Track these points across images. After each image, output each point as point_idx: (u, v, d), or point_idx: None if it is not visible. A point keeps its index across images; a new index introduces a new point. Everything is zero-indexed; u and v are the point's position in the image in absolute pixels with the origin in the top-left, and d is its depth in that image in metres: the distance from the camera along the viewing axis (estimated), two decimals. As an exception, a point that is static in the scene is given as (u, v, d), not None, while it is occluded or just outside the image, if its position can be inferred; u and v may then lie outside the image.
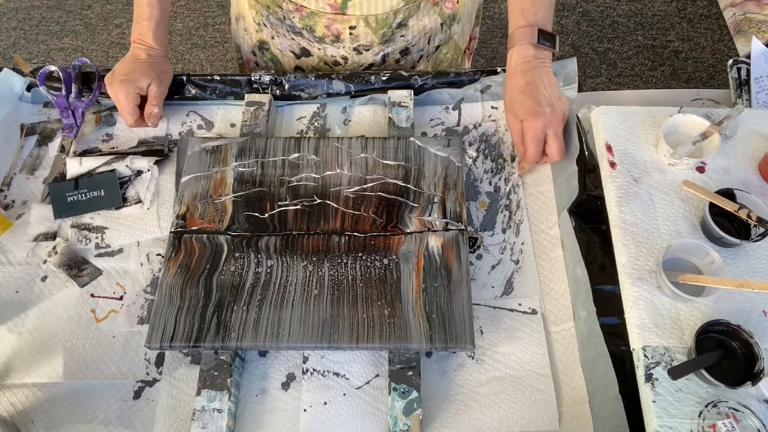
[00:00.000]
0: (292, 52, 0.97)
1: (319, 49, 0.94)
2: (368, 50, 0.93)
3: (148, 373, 0.72)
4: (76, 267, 0.78)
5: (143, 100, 0.86)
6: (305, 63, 0.98)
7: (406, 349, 0.68)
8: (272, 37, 0.97)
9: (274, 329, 0.68)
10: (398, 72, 0.89)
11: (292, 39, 0.94)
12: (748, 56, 0.91)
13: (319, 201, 0.78)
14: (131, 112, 0.84)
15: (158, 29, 0.86)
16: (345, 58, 0.95)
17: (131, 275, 0.78)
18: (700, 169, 0.77)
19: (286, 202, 0.78)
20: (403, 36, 0.93)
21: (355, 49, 0.93)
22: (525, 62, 0.79)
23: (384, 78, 0.89)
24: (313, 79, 0.90)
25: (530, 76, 0.78)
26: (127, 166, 0.84)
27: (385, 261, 0.73)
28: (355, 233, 0.75)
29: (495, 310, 0.75)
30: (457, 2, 0.95)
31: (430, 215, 0.76)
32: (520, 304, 0.75)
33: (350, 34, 0.90)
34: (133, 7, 0.88)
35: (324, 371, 0.71)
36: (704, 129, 0.76)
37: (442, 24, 0.95)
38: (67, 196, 0.81)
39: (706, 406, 0.61)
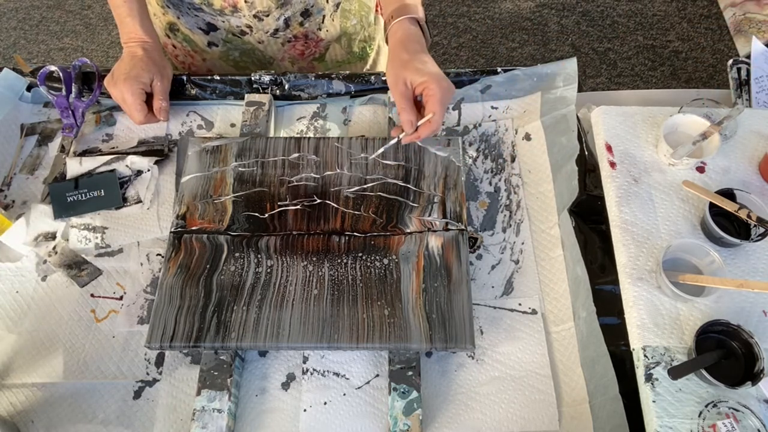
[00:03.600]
0: (200, 29, 0.98)
1: (223, 21, 0.95)
2: (268, 16, 0.93)
3: (148, 373, 0.72)
4: (76, 267, 0.78)
5: (148, 96, 0.85)
6: (215, 37, 0.99)
7: (406, 349, 0.68)
8: (178, 17, 0.97)
9: (274, 329, 0.68)
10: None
11: (196, 15, 0.95)
12: (748, 56, 0.91)
13: (319, 201, 0.78)
14: (140, 109, 0.83)
15: (143, 22, 0.86)
16: (249, 26, 0.95)
17: (131, 275, 0.78)
18: (700, 169, 0.77)
19: (286, 202, 0.78)
20: None
21: (255, 16, 0.93)
22: (414, 37, 0.78)
23: (384, 78, 0.89)
24: (313, 79, 0.90)
25: (420, 46, 0.77)
26: (127, 166, 0.84)
27: (385, 261, 0.73)
28: (355, 233, 0.75)
29: (495, 310, 0.75)
30: None
31: (430, 215, 0.76)
32: (520, 304, 0.75)
33: (246, 1, 0.90)
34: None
35: (324, 371, 0.71)
36: (704, 129, 0.76)
37: None
38: (67, 196, 0.81)
39: (706, 406, 0.61)
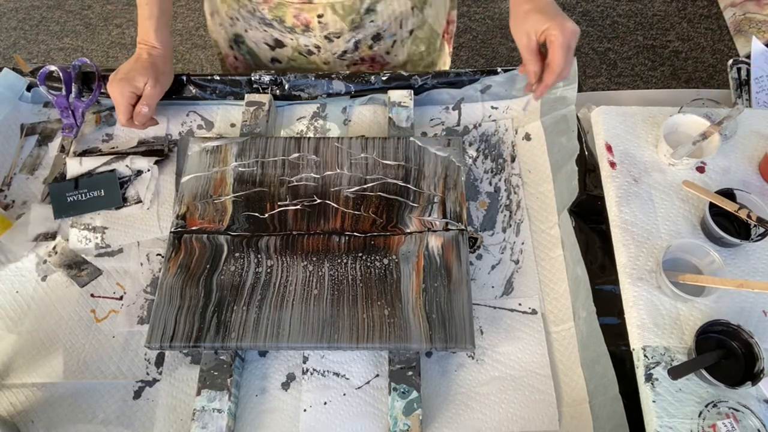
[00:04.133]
0: (266, 44, 0.97)
1: (292, 39, 0.95)
2: (339, 37, 0.93)
3: (148, 373, 0.72)
4: (76, 267, 0.78)
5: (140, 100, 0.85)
6: (280, 54, 0.99)
7: (406, 349, 0.68)
8: (246, 30, 0.97)
9: (274, 329, 0.68)
10: (398, 72, 0.89)
11: (265, 31, 0.95)
12: (748, 56, 0.91)
13: (319, 201, 0.78)
14: (123, 111, 0.83)
15: (159, 28, 0.86)
16: (318, 47, 0.95)
17: (131, 275, 0.78)
18: (700, 169, 0.77)
19: (286, 202, 0.78)
20: (372, 21, 0.93)
21: (326, 37, 0.93)
22: None
23: (384, 78, 0.89)
24: (313, 79, 0.90)
25: (536, 3, 0.73)
26: (127, 166, 0.84)
27: (385, 261, 0.73)
28: (355, 233, 0.75)
29: (495, 310, 0.75)
30: None
31: (430, 215, 0.76)
32: (520, 304, 0.75)
33: (319, 22, 0.90)
34: (134, 7, 0.88)
35: (324, 371, 0.71)
36: (704, 129, 0.76)
37: (413, 8, 0.95)
38: (67, 196, 0.81)
39: (706, 406, 0.61)
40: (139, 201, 0.82)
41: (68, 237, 0.80)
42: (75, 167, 0.83)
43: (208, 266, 0.72)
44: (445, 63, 1.11)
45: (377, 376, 0.71)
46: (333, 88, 0.90)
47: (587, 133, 0.83)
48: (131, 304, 0.76)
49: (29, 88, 0.92)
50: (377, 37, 0.96)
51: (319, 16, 0.89)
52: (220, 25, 1.00)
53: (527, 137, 0.87)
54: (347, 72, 0.91)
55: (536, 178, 0.84)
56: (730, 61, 0.91)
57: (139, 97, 0.84)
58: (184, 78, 0.90)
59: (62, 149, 0.87)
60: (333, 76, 0.90)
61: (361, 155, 0.81)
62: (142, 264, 0.78)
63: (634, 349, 0.66)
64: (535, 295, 0.75)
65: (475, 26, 2.17)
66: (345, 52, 0.96)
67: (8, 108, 0.90)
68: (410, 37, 0.99)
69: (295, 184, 0.79)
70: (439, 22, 1.03)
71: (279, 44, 0.96)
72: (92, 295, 0.76)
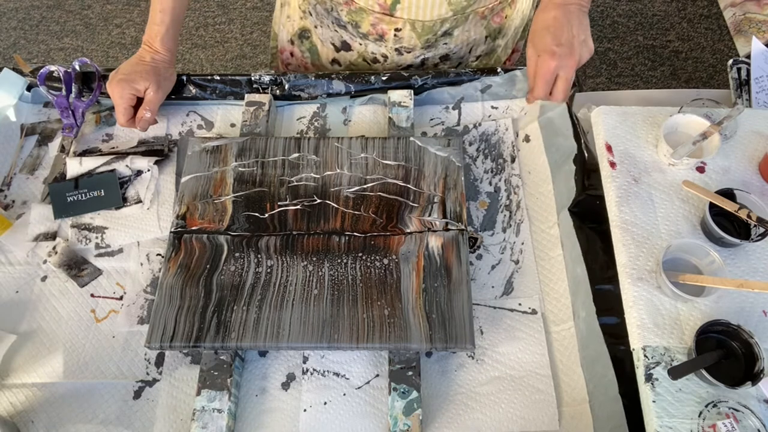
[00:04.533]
0: (333, 44, 0.97)
1: (361, 44, 0.94)
2: (410, 53, 0.93)
3: (148, 373, 0.72)
4: (76, 267, 0.78)
5: (140, 102, 0.85)
6: (344, 57, 0.98)
7: (406, 349, 0.68)
8: (315, 26, 0.96)
9: (274, 329, 0.68)
10: (398, 72, 0.89)
11: (335, 31, 0.94)
12: (748, 56, 0.91)
13: (319, 201, 0.78)
14: (123, 112, 0.83)
15: (167, 36, 0.85)
16: (385, 57, 0.95)
17: (131, 275, 0.78)
18: (700, 169, 0.77)
19: (286, 202, 0.78)
20: (446, 44, 0.93)
21: (396, 49, 0.93)
22: (540, 9, 0.76)
23: (384, 78, 0.89)
24: (313, 79, 0.90)
25: (561, 11, 0.74)
26: (127, 166, 0.84)
27: (385, 261, 0.73)
28: (355, 233, 0.75)
29: (495, 310, 0.74)
30: (505, 17, 0.95)
31: (430, 215, 0.76)
32: (520, 304, 0.75)
33: (395, 35, 0.90)
34: (134, 7, 0.87)
35: (324, 371, 0.71)
36: (704, 129, 0.75)
37: (486, 36, 0.96)
38: (67, 196, 0.81)
39: (706, 406, 0.61)
40: (139, 201, 0.82)
41: (68, 237, 0.80)
42: (75, 167, 0.83)
43: (208, 266, 0.72)
44: None
45: (377, 376, 0.71)
46: (333, 88, 0.90)
47: (587, 133, 0.83)
48: (131, 304, 0.76)
49: (29, 88, 0.92)
50: (445, 58, 0.96)
51: (397, 30, 0.89)
52: (288, 17, 0.99)
53: (526, 138, 0.87)
54: (347, 72, 0.91)
55: (536, 178, 0.84)
56: (730, 61, 0.91)
57: (138, 99, 0.84)
58: (184, 78, 0.90)
59: (62, 149, 0.87)
60: (333, 76, 0.90)
61: (361, 155, 0.81)
62: (142, 264, 0.78)
63: (634, 349, 0.66)
64: (535, 295, 0.75)
65: (475, 26, 2.16)
66: (410, 66, 0.96)
67: (8, 108, 0.90)
68: (476, 62, 1.00)
69: (295, 184, 0.79)
70: (506, 52, 1.03)
71: (346, 47, 0.96)
72: (92, 295, 0.76)
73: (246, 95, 0.88)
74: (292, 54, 1.03)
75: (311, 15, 0.95)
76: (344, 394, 0.70)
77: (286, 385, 0.71)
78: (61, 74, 0.88)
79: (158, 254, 0.79)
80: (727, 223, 0.71)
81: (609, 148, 0.78)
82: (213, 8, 2.25)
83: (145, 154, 0.86)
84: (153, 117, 0.85)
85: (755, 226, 0.69)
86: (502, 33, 0.98)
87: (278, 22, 1.04)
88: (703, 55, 2.05)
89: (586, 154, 0.79)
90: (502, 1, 0.91)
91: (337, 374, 0.71)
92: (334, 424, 0.68)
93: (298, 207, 0.77)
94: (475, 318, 0.74)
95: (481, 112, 0.90)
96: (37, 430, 0.68)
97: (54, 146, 0.88)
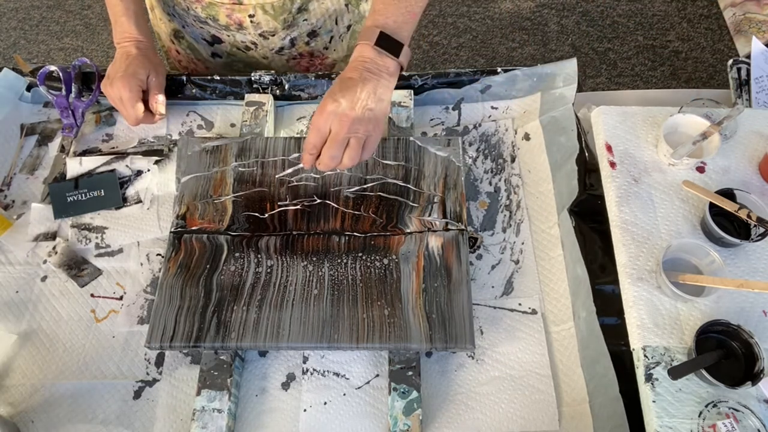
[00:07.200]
0: (205, 40, 0.98)
1: (228, 36, 0.95)
2: (273, 35, 0.94)
3: (148, 373, 0.72)
4: (76, 267, 0.78)
5: (144, 94, 0.85)
6: (219, 49, 0.99)
7: (406, 349, 0.68)
8: (183, 26, 0.97)
9: (274, 329, 0.68)
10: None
11: (201, 27, 0.95)
12: (748, 56, 0.91)
13: (319, 201, 0.78)
14: (134, 105, 0.81)
15: (138, 21, 0.85)
16: (254, 43, 0.95)
17: (131, 275, 0.78)
18: (700, 169, 0.77)
19: (286, 202, 0.78)
20: (306, 20, 0.93)
21: (260, 35, 0.93)
22: (361, 62, 0.70)
23: (384, 78, 0.89)
24: (313, 79, 0.90)
25: (358, 74, 0.68)
26: (127, 166, 0.84)
27: (385, 261, 0.73)
28: (355, 233, 0.75)
29: (495, 310, 0.74)
30: None
31: (430, 215, 0.76)
32: (520, 304, 0.75)
33: (251, 21, 0.90)
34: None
35: (324, 371, 0.71)
36: (704, 129, 0.75)
37: (347, 4, 0.95)
38: (67, 196, 0.81)
39: (706, 406, 0.61)
40: (139, 201, 0.82)
41: (68, 237, 0.80)
42: (75, 167, 0.83)
43: (208, 266, 0.72)
44: None
45: (377, 376, 0.71)
46: (333, 88, 0.90)
47: (587, 133, 0.83)
48: (131, 304, 0.76)
49: (29, 88, 0.92)
50: (313, 34, 0.96)
51: (251, 16, 0.89)
52: (160, 19, 1.00)
53: (527, 137, 0.87)
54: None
55: (536, 177, 0.84)
56: (730, 61, 0.91)
57: (143, 92, 0.84)
58: (184, 78, 0.90)
59: (62, 149, 0.87)
60: (333, 76, 0.90)
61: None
62: (142, 264, 0.78)
63: (634, 349, 0.66)
64: (535, 295, 0.75)
65: (475, 26, 2.16)
66: (282, 48, 0.97)
67: (8, 108, 0.90)
68: (348, 32, 0.99)
69: (295, 184, 0.79)
70: None
71: (217, 40, 0.97)
72: (92, 295, 0.76)
73: (246, 95, 0.88)
74: (178, 52, 1.04)
75: (175, 17, 0.96)
76: (344, 394, 0.70)
77: (286, 385, 0.71)
78: (60, 74, 0.88)
79: (158, 254, 0.79)
80: (727, 223, 0.72)
81: (609, 148, 0.78)
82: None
83: (145, 154, 0.86)
84: (165, 99, 0.85)
85: (755, 226, 0.69)
86: None
87: (155, 24, 1.04)
88: (703, 55, 2.05)
89: (586, 154, 0.79)
90: None
91: (337, 374, 0.71)
92: (334, 424, 0.68)
93: (298, 207, 0.77)
94: (475, 318, 0.74)
95: (481, 113, 0.90)
96: (37, 430, 0.68)
97: (54, 146, 0.88)
